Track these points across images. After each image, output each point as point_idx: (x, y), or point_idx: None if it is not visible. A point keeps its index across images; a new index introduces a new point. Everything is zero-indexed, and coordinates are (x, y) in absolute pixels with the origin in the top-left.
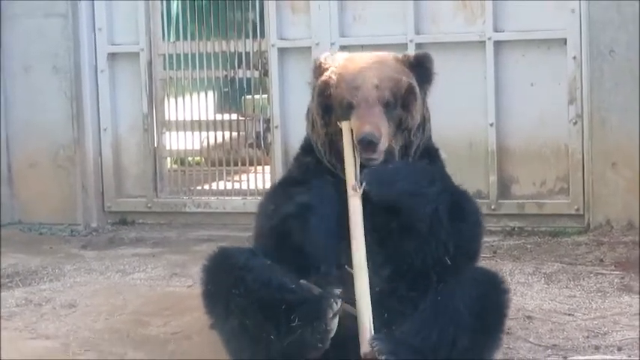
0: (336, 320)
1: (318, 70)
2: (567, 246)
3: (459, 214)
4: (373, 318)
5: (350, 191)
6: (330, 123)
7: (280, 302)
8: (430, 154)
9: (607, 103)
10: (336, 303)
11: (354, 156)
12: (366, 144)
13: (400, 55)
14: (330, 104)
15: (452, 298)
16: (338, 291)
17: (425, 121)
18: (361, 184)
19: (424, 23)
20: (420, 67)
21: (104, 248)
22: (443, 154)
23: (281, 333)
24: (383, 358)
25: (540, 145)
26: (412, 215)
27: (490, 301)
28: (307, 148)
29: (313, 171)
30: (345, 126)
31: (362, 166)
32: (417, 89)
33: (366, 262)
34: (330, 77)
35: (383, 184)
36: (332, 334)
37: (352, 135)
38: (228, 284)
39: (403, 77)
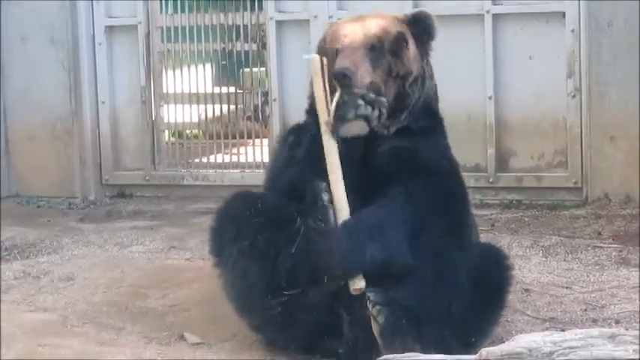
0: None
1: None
2: (565, 219)
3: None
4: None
5: (323, 127)
6: None
7: (291, 215)
8: (434, 117)
9: (605, 77)
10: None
11: (325, 91)
12: (340, 77)
13: (400, 15)
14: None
15: (452, 267)
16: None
17: (425, 76)
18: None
19: None
20: (418, 23)
21: (102, 221)
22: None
23: (290, 239)
24: (377, 308)
25: (538, 119)
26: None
27: (491, 275)
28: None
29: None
30: (314, 60)
31: (342, 101)
32: (410, 40)
33: (345, 195)
34: (326, 34)
35: (352, 263)
36: (331, 213)
37: (325, 71)
38: (242, 209)
39: (394, 26)
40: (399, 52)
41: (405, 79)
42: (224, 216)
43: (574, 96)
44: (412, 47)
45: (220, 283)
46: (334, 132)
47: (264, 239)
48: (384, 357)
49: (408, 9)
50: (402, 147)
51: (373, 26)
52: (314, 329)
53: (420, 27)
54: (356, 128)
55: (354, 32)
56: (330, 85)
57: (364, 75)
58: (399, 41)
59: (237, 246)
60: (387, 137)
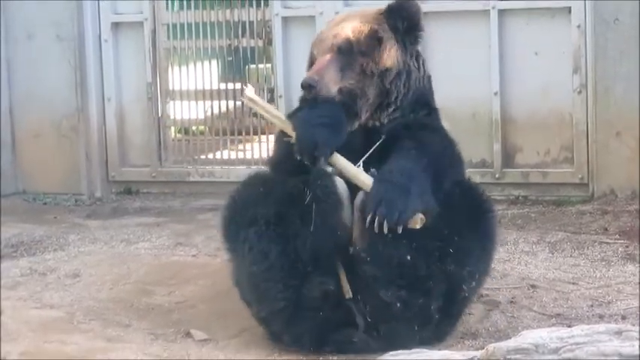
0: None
1: None
2: (571, 215)
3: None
4: None
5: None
6: None
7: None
8: (427, 108)
9: (611, 73)
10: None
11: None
12: (306, 88)
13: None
14: (312, 62)
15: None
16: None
17: (411, 69)
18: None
19: None
20: (393, 15)
21: (108, 218)
22: (446, 125)
23: (305, 216)
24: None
25: (544, 115)
26: None
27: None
28: None
29: None
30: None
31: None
32: (388, 34)
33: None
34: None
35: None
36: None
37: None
38: (255, 192)
39: (367, 25)
40: (370, 51)
41: (384, 77)
42: (237, 201)
43: (580, 92)
44: (390, 42)
45: (231, 271)
46: None
47: (281, 219)
48: (391, 353)
49: None
50: (403, 122)
51: (346, 29)
52: (324, 323)
53: (396, 18)
54: None
55: (327, 38)
56: None
57: (329, 84)
58: (371, 40)
59: (254, 228)
60: (383, 126)
